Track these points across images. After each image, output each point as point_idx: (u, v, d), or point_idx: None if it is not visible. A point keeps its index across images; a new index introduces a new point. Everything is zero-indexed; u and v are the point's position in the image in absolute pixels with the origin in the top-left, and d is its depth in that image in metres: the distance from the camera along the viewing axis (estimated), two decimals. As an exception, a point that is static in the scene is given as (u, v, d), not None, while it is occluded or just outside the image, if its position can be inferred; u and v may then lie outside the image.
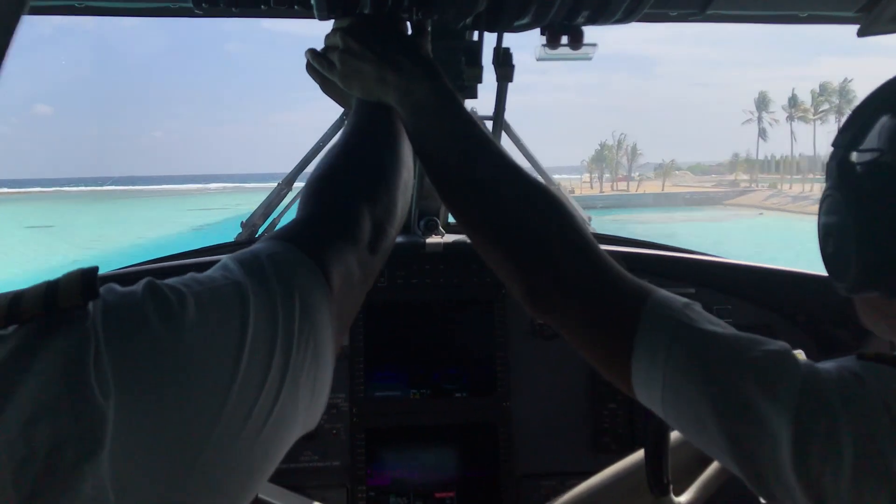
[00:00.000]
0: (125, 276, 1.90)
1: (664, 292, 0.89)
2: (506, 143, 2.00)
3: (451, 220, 2.17)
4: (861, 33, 1.42)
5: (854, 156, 0.87)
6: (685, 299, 0.88)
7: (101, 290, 0.66)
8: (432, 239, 2.07)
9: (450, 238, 2.07)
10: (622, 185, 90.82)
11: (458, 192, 1.07)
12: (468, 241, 2.08)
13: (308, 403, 0.77)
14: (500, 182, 1.02)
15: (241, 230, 2.20)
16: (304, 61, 1.25)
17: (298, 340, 0.74)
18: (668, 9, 1.39)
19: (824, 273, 0.94)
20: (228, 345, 0.68)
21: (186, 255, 2.08)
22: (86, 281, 0.64)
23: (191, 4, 1.29)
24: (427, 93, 1.08)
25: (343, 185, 1.01)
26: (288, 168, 2.10)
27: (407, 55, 1.11)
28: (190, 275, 0.74)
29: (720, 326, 0.84)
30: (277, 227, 2.17)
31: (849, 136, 0.89)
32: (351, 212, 0.95)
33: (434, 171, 1.10)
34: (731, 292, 2.09)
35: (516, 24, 1.24)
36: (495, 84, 1.68)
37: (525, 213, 1.00)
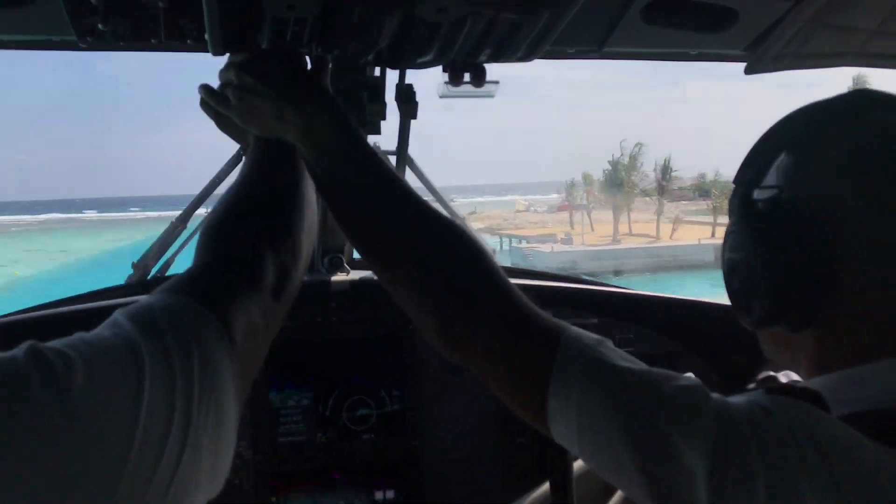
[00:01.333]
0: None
1: (577, 329, 0.89)
2: (409, 177, 1.98)
3: (356, 256, 2.12)
4: (748, 71, 1.48)
5: (756, 192, 0.89)
6: (598, 336, 0.88)
7: None
8: (337, 277, 2.02)
9: (356, 275, 2.02)
10: (642, 226, 53.51)
11: (365, 232, 1.04)
12: (375, 277, 2.04)
13: (212, 466, 0.72)
14: (410, 221, 1.00)
15: (132, 271, 2.07)
16: (190, 84, 1.20)
17: (199, 401, 0.70)
18: (567, 46, 1.40)
19: (723, 302, 0.95)
20: (123, 410, 0.64)
21: (70, 302, 1.95)
22: None
23: (75, 38, 1.22)
24: (329, 130, 1.05)
25: (243, 228, 0.97)
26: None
27: (306, 91, 1.08)
28: (77, 335, 0.69)
29: (633, 363, 0.84)
30: (172, 267, 2.07)
31: (750, 173, 0.91)
32: (252, 257, 0.91)
33: (339, 210, 1.07)
34: (633, 321, 2.11)
35: (419, 60, 1.22)
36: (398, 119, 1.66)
37: (437, 252, 0.98)
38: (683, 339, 2.14)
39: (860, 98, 0.91)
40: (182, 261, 2.09)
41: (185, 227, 2.04)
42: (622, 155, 55.98)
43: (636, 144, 55.89)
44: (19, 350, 0.63)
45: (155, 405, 0.66)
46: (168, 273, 2.07)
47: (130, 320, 0.72)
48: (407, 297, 1.00)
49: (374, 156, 1.05)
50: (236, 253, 0.92)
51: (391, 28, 1.11)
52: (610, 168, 57.24)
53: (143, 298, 0.79)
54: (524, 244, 48.68)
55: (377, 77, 1.39)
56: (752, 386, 1.80)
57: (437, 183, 2.10)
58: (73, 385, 0.62)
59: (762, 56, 1.42)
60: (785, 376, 1.77)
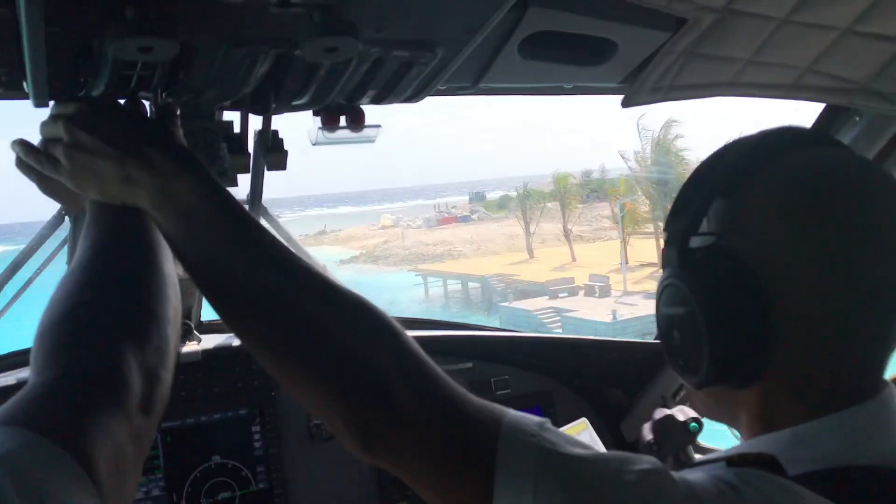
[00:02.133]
0: None
1: (515, 413, 0.77)
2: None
3: (206, 318, 1.89)
4: (625, 104, 1.44)
5: (692, 240, 0.83)
6: (538, 418, 0.76)
7: None
8: (187, 347, 1.77)
9: (208, 342, 1.79)
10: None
11: (248, 318, 0.86)
12: (230, 343, 1.82)
13: None
14: (306, 299, 0.83)
15: None
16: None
17: None
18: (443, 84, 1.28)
19: (594, 338, 0.88)
20: None
21: None
22: None
23: None
24: (190, 191, 0.86)
25: (97, 327, 0.77)
26: None
27: (157, 145, 0.88)
28: None
29: (581, 447, 0.74)
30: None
31: (684, 221, 0.85)
32: (113, 365, 0.72)
33: (212, 291, 0.87)
34: (508, 362, 2.05)
35: (293, 104, 1.06)
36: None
37: (345, 336, 0.81)
38: (558, 376, 2.09)
39: (789, 134, 0.87)
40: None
41: (-7, 302, 1.72)
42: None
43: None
44: None
45: None
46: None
47: None
48: (308, 395, 0.83)
49: (250, 221, 0.88)
50: (91, 363, 0.73)
51: (261, 70, 0.94)
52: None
53: None
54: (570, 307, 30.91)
55: (229, 122, 1.21)
56: (652, 423, 1.79)
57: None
58: None
59: (638, 88, 1.39)
60: (680, 412, 1.77)
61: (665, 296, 0.85)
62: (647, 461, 0.73)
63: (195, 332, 1.81)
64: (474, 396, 0.79)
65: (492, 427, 0.74)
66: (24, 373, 1.63)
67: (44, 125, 0.94)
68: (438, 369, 0.80)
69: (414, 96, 1.12)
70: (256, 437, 1.80)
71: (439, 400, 0.77)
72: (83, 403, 0.67)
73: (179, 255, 0.87)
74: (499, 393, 1.97)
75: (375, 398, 0.78)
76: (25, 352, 1.79)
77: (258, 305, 0.83)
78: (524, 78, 1.37)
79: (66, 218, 1.61)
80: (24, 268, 1.69)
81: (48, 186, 0.98)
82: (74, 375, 0.71)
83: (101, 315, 0.79)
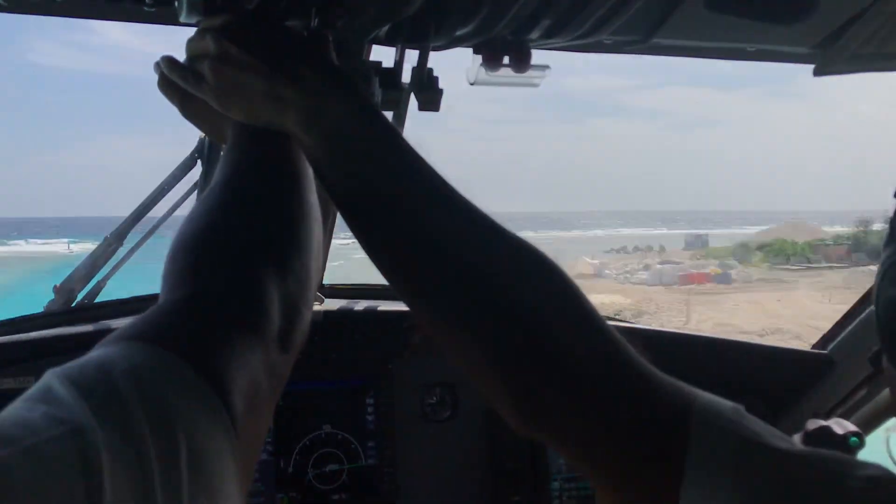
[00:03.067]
0: None
1: (705, 394, 0.65)
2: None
3: (326, 281, 1.83)
4: (818, 72, 1.27)
5: None
6: (730, 403, 0.65)
7: None
8: (309, 307, 1.71)
9: (331, 304, 1.73)
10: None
11: (401, 259, 0.76)
12: (353, 308, 1.75)
13: None
14: (472, 244, 0.72)
15: (53, 295, 1.72)
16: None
17: None
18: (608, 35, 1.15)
19: (736, 339, 0.73)
20: None
21: None
22: None
23: (-5, -6, 0.93)
24: (342, 112, 0.77)
25: (236, 248, 0.69)
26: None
27: (310, 64, 0.79)
28: None
29: (786, 441, 0.63)
30: (102, 293, 1.73)
31: None
32: (253, 288, 0.64)
33: (362, 224, 0.78)
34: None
35: (455, 35, 0.95)
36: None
37: (512, 291, 0.70)
38: (694, 378, 1.91)
39: None
40: (114, 287, 1.75)
41: (120, 245, 1.71)
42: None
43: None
44: None
45: None
46: (98, 300, 1.73)
47: (75, 390, 0.46)
48: (465, 352, 0.73)
49: (411, 150, 0.78)
50: (230, 281, 0.65)
51: None
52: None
53: (92, 353, 0.52)
54: None
55: (379, 62, 1.12)
56: (803, 435, 1.61)
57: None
58: None
59: (835, 56, 1.23)
60: (837, 424, 1.58)
61: (890, 275, 0.71)
62: (873, 466, 0.60)
63: (318, 292, 1.75)
64: (660, 372, 0.67)
65: (681, 406, 0.63)
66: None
67: (190, 41, 0.88)
68: (617, 333, 0.68)
69: (585, 35, 1.00)
70: (370, 409, 1.72)
71: (623, 368, 0.66)
72: (218, 326, 0.60)
73: (326, 181, 0.79)
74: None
75: (545, 360, 0.67)
76: (148, 298, 1.79)
77: (410, 240, 0.74)
78: (704, 34, 1.23)
79: (198, 160, 1.58)
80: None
81: (190, 110, 0.92)
82: (210, 296, 0.63)
83: (242, 236, 0.72)
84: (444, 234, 0.73)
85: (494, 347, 0.69)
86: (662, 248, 42.09)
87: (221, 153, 0.88)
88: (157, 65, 0.91)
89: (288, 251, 0.73)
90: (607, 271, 32.01)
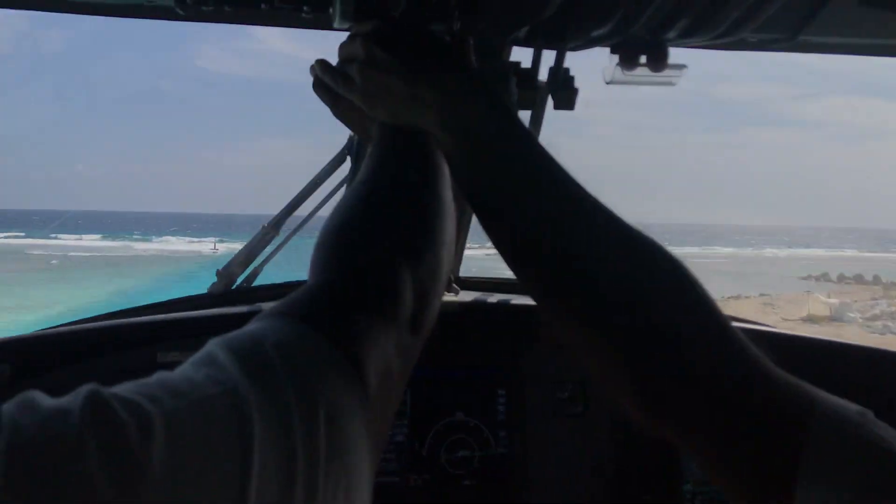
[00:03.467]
0: (43, 343, 1.56)
1: (829, 397, 0.64)
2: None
3: (462, 273, 1.88)
4: None
5: None
6: (856, 406, 0.63)
7: (13, 408, 0.42)
8: (445, 297, 1.77)
9: (465, 296, 1.78)
10: None
11: (530, 252, 0.79)
12: (486, 300, 1.80)
13: None
14: (600, 238, 0.75)
15: (216, 279, 1.88)
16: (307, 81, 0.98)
17: (326, 473, 0.51)
18: (752, 33, 1.13)
19: None
20: (223, 494, 0.45)
21: (143, 311, 1.75)
22: None
23: (172, 3, 1.03)
24: (480, 113, 0.82)
25: (376, 238, 0.75)
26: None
27: (449, 66, 0.85)
28: (158, 377, 0.50)
29: None
30: (259, 278, 1.87)
31: None
32: (389, 275, 0.70)
33: (494, 220, 0.82)
34: (812, 376, 1.79)
35: (592, 35, 0.97)
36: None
37: (640, 285, 0.72)
38: (868, 396, 1.79)
39: None
40: (270, 272, 1.89)
41: (276, 234, 1.84)
42: None
43: None
44: (76, 398, 0.43)
45: (267, 480, 0.46)
46: (255, 284, 1.87)
47: (232, 356, 0.52)
48: (587, 343, 0.75)
49: (540, 148, 0.81)
50: (368, 271, 0.71)
51: None
52: None
53: (247, 327, 0.59)
54: None
55: (517, 62, 1.15)
56: None
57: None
58: (150, 462, 0.42)
59: None
60: None
61: None
62: None
63: (454, 283, 1.80)
64: (783, 373, 0.67)
65: (802, 407, 0.63)
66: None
67: (342, 46, 0.96)
68: (741, 334, 0.69)
69: (726, 34, 0.99)
70: (501, 400, 1.76)
71: (744, 367, 0.67)
72: (356, 308, 0.65)
73: (460, 178, 0.85)
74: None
75: (668, 365, 0.69)
76: (298, 283, 1.92)
77: (537, 238, 0.78)
78: (857, 30, 1.18)
79: (347, 155, 1.68)
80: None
81: (341, 110, 1.00)
82: (350, 281, 0.70)
83: (379, 228, 0.78)
84: (572, 232, 0.76)
85: (618, 344, 0.72)
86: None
87: (367, 151, 0.95)
88: (313, 68, 0.99)
89: (421, 243, 0.78)
90: (851, 314, 22.78)
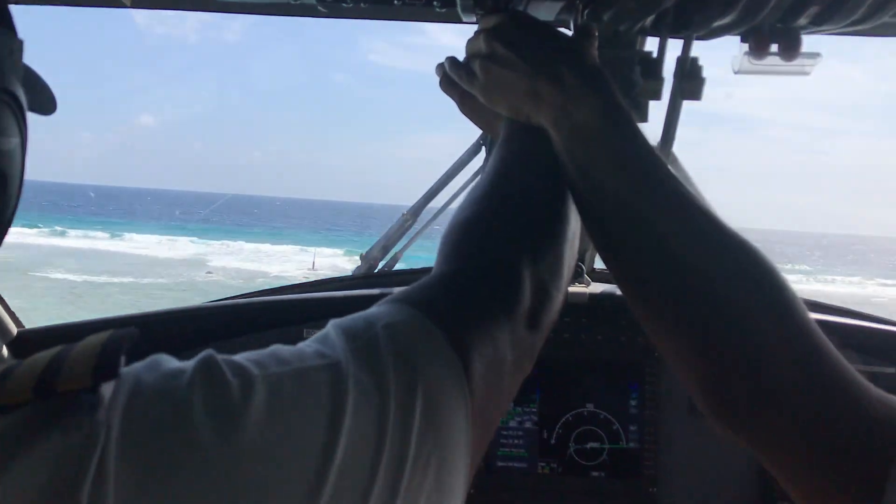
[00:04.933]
0: (197, 318, 1.71)
1: None
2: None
3: (597, 265, 1.87)
4: None
5: None
6: None
7: (141, 367, 0.50)
8: (575, 288, 1.77)
9: (596, 288, 1.77)
10: None
11: (628, 252, 0.79)
12: (618, 292, 1.78)
13: None
14: (697, 245, 0.73)
15: (360, 263, 1.99)
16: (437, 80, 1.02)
17: (416, 456, 0.53)
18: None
19: None
20: (310, 456, 0.49)
21: (291, 290, 1.88)
22: (105, 355, 0.46)
23: (314, 1, 1.10)
24: (592, 113, 0.81)
25: (496, 234, 0.77)
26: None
27: (568, 64, 0.85)
28: (273, 348, 0.56)
29: None
30: (399, 263, 1.95)
31: None
32: (507, 270, 0.72)
33: (595, 220, 0.82)
34: None
35: (715, 25, 0.95)
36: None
37: (731, 293, 0.70)
38: None
39: None
40: (409, 257, 1.97)
41: (414, 222, 1.91)
42: None
43: None
44: (193, 361, 0.50)
45: (354, 453, 0.50)
46: (396, 268, 1.95)
47: (343, 334, 0.57)
48: (674, 346, 0.75)
49: (649, 150, 0.80)
50: (487, 263, 0.73)
51: None
52: None
53: (369, 309, 0.64)
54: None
55: (646, 52, 1.14)
56: None
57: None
58: (248, 418, 0.47)
59: None
60: None
61: None
62: None
63: (586, 275, 1.80)
64: (873, 386, 0.64)
65: (892, 428, 0.60)
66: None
67: (469, 42, 0.98)
68: (831, 345, 0.66)
69: (863, 21, 0.93)
70: (633, 394, 1.74)
71: (829, 382, 0.64)
72: (472, 301, 0.68)
73: (568, 176, 0.84)
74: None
75: (746, 365, 0.67)
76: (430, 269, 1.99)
77: (636, 242, 0.77)
78: None
79: (482, 147, 1.71)
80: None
81: (467, 105, 1.02)
82: (469, 274, 0.72)
83: (500, 224, 0.79)
84: (673, 235, 0.74)
85: (701, 350, 0.70)
86: None
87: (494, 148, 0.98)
88: (440, 66, 1.03)
89: (543, 240, 0.79)
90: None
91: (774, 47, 0.99)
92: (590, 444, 1.73)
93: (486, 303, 0.68)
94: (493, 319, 0.66)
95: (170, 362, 0.50)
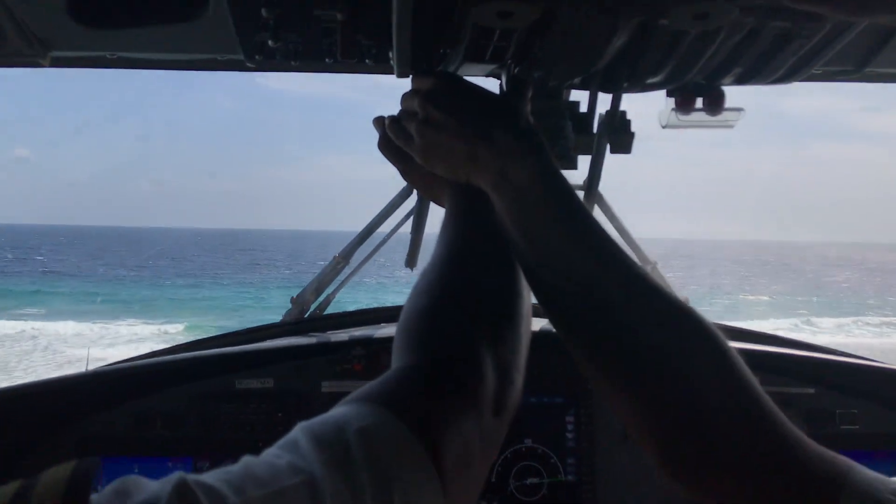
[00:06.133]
0: (129, 373, 1.66)
1: (864, 471, 0.63)
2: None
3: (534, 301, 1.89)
4: None
5: None
6: (893, 481, 0.62)
7: (111, 492, 0.48)
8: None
9: (536, 324, 1.79)
10: None
11: (564, 305, 0.80)
12: (549, 328, 1.80)
13: None
14: (625, 300, 0.75)
15: (290, 306, 1.95)
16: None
17: None
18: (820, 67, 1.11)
19: None
20: None
21: (222, 340, 1.83)
22: (73, 490, 0.44)
23: (242, 57, 1.08)
24: (530, 177, 0.82)
25: (455, 321, 0.76)
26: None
27: (504, 127, 0.85)
28: (244, 463, 0.54)
29: None
30: (331, 306, 1.92)
31: None
32: (470, 360, 0.71)
33: (532, 274, 0.83)
34: (859, 394, 1.77)
35: (647, 82, 0.98)
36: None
37: (666, 350, 0.72)
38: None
39: None
40: (341, 300, 1.95)
41: (346, 264, 1.90)
42: None
43: None
44: (165, 486, 0.48)
45: None
46: (326, 312, 1.93)
47: (313, 442, 0.56)
48: (621, 403, 0.76)
49: (584, 210, 0.82)
50: (449, 355, 0.72)
51: (619, 42, 0.88)
52: None
53: (334, 410, 0.62)
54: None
55: (575, 102, 1.16)
56: None
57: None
58: None
59: None
60: None
61: None
62: None
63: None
64: (813, 443, 0.66)
65: (832, 486, 0.62)
66: (360, 332, 1.78)
67: (404, 98, 0.97)
68: (772, 403, 0.68)
69: (785, 78, 0.98)
70: (570, 427, 1.76)
71: (772, 444, 0.66)
72: (438, 394, 0.67)
73: (509, 237, 0.85)
74: (843, 427, 1.72)
75: (693, 429, 0.69)
76: (368, 311, 1.98)
77: (575, 297, 0.78)
78: None
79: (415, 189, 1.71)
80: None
81: (409, 170, 1.01)
82: (431, 364, 0.71)
83: (459, 311, 0.78)
84: (611, 297, 0.76)
85: (648, 408, 0.72)
86: None
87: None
88: (378, 122, 1.01)
89: (502, 321, 0.79)
90: None
91: (699, 102, 1.03)
92: (529, 480, 1.73)
93: (455, 395, 0.67)
94: (461, 413, 0.66)
95: (140, 489, 0.48)
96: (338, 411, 0.61)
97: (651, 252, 1.96)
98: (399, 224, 1.79)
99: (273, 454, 0.56)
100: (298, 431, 0.58)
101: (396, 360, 0.73)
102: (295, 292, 1.90)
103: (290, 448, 0.56)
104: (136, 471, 1.62)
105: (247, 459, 0.54)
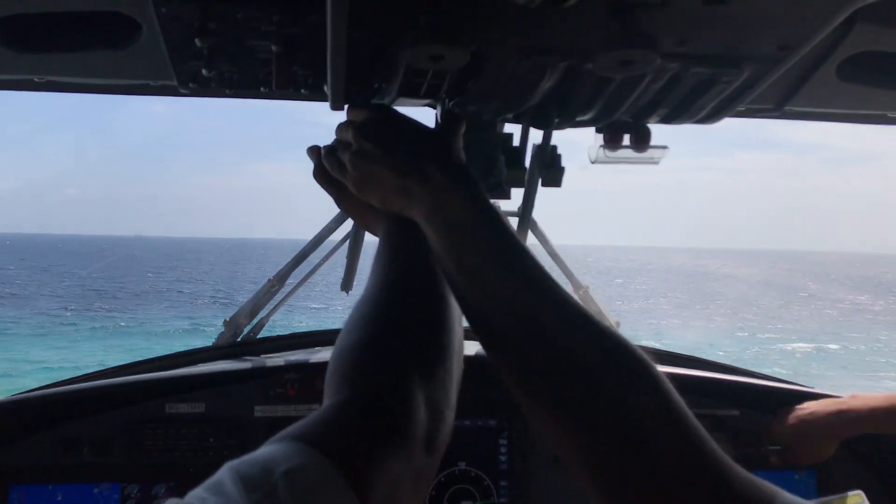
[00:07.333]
0: (57, 402, 1.62)
1: (787, 497, 0.65)
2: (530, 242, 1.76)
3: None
4: None
5: None
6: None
7: None
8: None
9: (470, 348, 1.80)
10: None
11: (499, 335, 0.80)
12: (483, 352, 1.82)
13: None
14: (560, 328, 0.76)
15: (223, 328, 1.92)
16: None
17: None
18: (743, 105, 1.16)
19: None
20: None
21: (154, 364, 1.80)
22: None
23: (175, 83, 1.07)
24: (459, 206, 0.83)
25: (387, 358, 0.76)
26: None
27: (436, 161, 0.86)
28: None
29: None
30: (264, 329, 1.90)
31: None
32: (400, 397, 0.71)
33: (468, 305, 0.83)
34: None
35: (577, 119, 1.01)
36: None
37: (600, 374, 0.73)
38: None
39: None
40: (276, 322, 1.93)
41: (281, 287, 1.88)
42: None
43: None
44: None
45: None
46: (260, 335, 1.91)
47: (240, 484, 0.55)
48: (553, 430, 0.76)
49: (516, 242, 0.83)
50: (380, 392, 0.72)
51: (548, 83, 0.90)
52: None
53: (263, 449, 0.61)
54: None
55: (508, 135, 1.19)
56: None
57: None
58: None
59: None
60: None
61: None
62: None
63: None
64: (741, 469, 0.68)
65: None
66: (294, 356, 1.76)
67: (338, 128, 0.98)
68: (702, 428, 0.70)
69: (709, 118, 1.02)
70: (503, 450, 1.78)
71: (703, 470, 0.67)
72: (369, 433, 0.66)
73: (444, 269, 0.85)
74: (771, 448, 1.78)
75: (626, 456, 0.69)
76: (302, 335, 1.96)
77: (510, 327, 0.79)
78: (839, 103, 1.21)
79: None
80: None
81: (345, 200, 1.01)
82: (362, 403, 0.70)
83: (390, 347, 0.78)
84: (529, 316, 0.77)
85: (581, 438, 0.72)
86: None
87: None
88: (313, 151, 1.01)
89: (432, 357, 0.79)
90: None
91: (627, 139, 1.06)
92: (463, 503, 1.74)
93: (382, 436, 0.67)
94: (391, 452, 0.66)
95: None
96: (266, 450, 0.61)
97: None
98: (336, 246, 1.79)
99: (198, 497, 0.55)
100: (225, 472, 0.57)
101: (328, 396, 0.72)
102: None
103: (216, 490, 0.55)
104: (60, 499, 1.59)
105: (171, 502, 0.54)
